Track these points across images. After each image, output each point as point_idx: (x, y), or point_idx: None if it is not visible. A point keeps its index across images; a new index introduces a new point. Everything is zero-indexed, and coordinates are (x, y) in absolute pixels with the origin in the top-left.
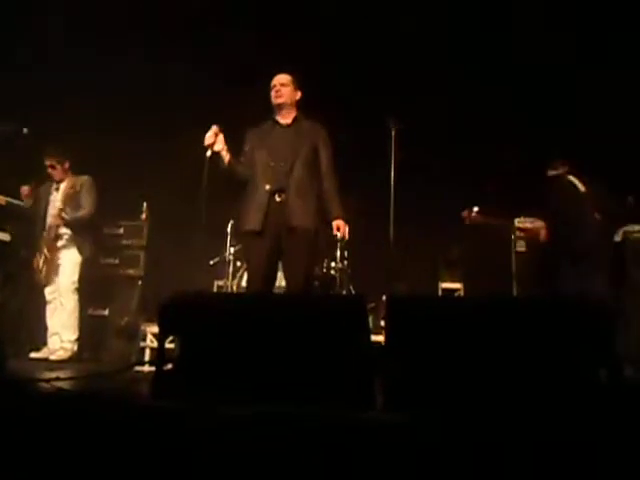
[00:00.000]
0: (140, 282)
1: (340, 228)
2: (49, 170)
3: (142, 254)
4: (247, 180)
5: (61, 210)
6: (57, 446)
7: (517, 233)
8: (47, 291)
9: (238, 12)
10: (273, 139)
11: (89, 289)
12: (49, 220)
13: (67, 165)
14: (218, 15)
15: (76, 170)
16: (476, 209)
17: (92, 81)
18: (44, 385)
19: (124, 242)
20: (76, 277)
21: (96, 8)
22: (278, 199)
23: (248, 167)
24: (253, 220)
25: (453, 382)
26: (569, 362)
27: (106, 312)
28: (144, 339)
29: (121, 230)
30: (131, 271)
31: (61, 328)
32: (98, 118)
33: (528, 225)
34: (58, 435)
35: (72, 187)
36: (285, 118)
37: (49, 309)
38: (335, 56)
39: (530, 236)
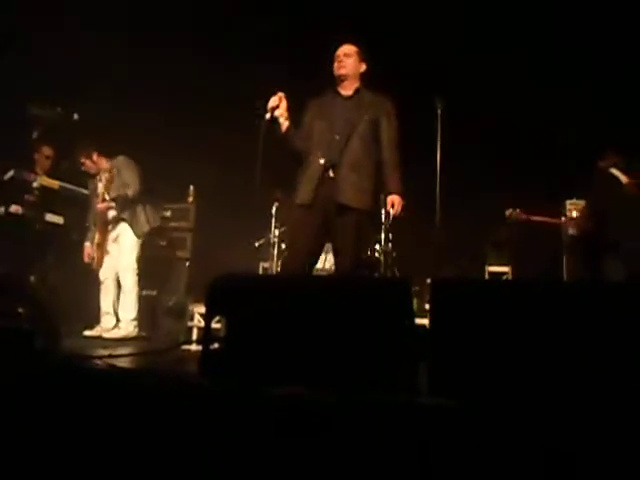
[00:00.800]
0: (187, 263)
1: (395, 204)
2: (83, 168)
3: (189, 236)
4: (301, 152)
5: (103, 194)
6: (108, 422)
7: (568, 215)
8: (101, 273)
9: None
10: (332, 111)
11: (139, 270)
12: (96, 208)
13: (95, 156)
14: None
15: (120, 152)
16: (519, 210)
17: (139, 65)
18: (96, 362)
19: (172, 224)
20: (134, 257)
21: None
22: (331, 174)
23: (305, 139)
24: (304, 193)
25: (500, 368)
26: (626, 352)
27: (155, 292)
28: (192, 319)
29: (169, 213)
30: (179, 253)
31: (120, 307)
32: (146, 104)
33: (574, 214)
34: (109, 411)
35: (109, 172)
36: (346, 90)
37: (103, 288)
38: (382, 33)
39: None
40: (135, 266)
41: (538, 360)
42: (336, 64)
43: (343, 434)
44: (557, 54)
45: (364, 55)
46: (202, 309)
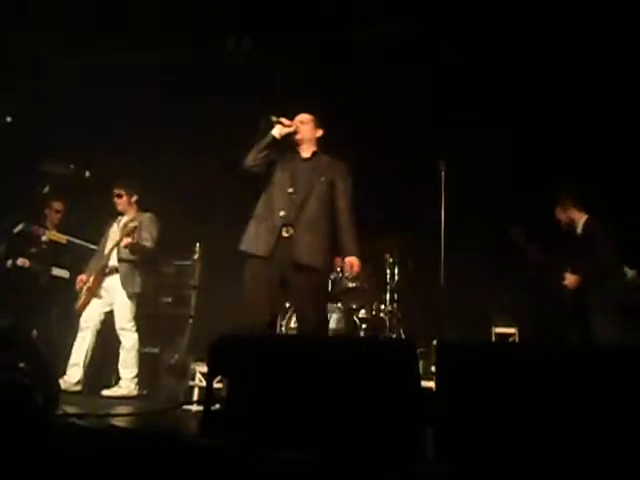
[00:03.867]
0: (191, 321)
1: (354, 266)
2: (115, 199)
3: (193, 294)
4: (264, 174)
5: (120, 241)
6: None
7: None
8: (82, 319)
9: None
10: (292, 169)
11: (142, 327)
12: (106, 252)
13: (134, 198)
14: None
15: (142, 207)
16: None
17: (145, 119)
18: (95, 420)
19: (176, 281)
20: (131, 315)
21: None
22: (285, 234)
23: (267, 186)
24: (262, 245)
25: (507, 433)
26: (633, 416)
27: (157, 350)
28: (193, 378)
29: (173, 270)
30: (183, 310)
31: (120, 365)
32: (155, 160)
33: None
34: (107, 471)
35: (132, 220)
36: (305, 152)
37: (80, 337)
38: (384, 97)
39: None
40: (133, 323)
41: (545, 425)
42: (287, 129)
43: None
44: (560, 114)
45: (320, 122)
46: (204, 368)
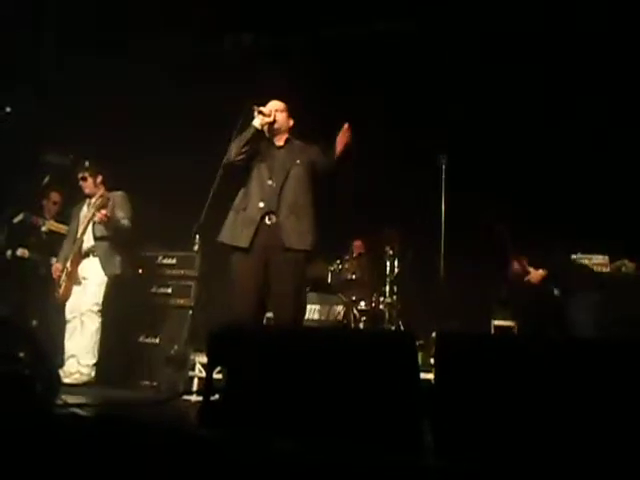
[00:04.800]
0: (190, 312)
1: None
2: (81, 183)
3: (193, 284)
4: (246, 167)
5: (92, 217)
6: (105, 471)
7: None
8: (67, 309)
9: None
10: (267, 159)
11: (141, 317)
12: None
13: (99, 179)
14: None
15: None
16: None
17: (157, 106)
18: (94, 409)
19: (176, 272)
20: (100, 298)
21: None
22: (268, 222)
23: (244, 178)
24: (243, 237)
25: (505, 425)
26: (631, 409)
27: (157, 340)
28: (193, 368)
29: (174, 260)
30: (182, 301)
31: (80, 350)
32: (160, 148)
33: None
34: (106, 460)
35: (102, 199)
36: (278, 141)
37: (68, 329)
38: (387, 90)
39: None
40: (99, 308)
41: (543, 417)
42: (268, 119)
43: None
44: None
45: (291, 112)
46: (204, 359)
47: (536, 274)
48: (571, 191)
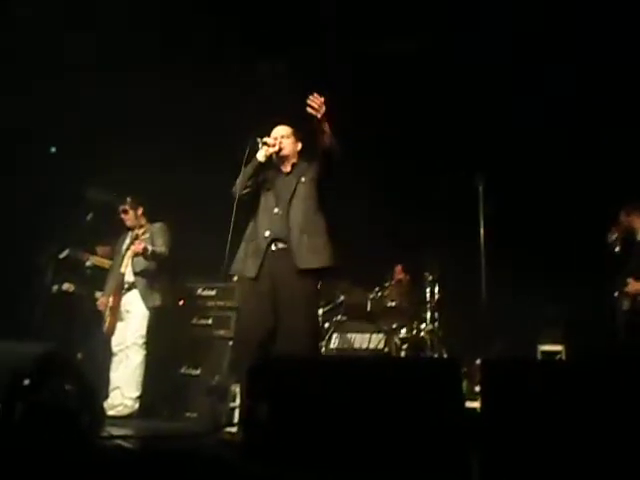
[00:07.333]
0: (231, 343)
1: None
2: (122, 216)
3: (233, 315)
4: (253, 197)
5: (129, 249)
6: None
7: (622, 289)
8: (113, 342)
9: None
10: (275, 186)
11: (182, 348)
12: (122, 269)
13: (140, 211)
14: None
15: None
16: None
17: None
18: (138, 443)
19: (216, 303)
20: (143, 331)
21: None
22: (274, 248)
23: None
24: (250, 267)
25: (555, 455)
26: None
27: (198, 372)
28: (234, 399)
29: (214, 291)
30: (222, 332)
31: (124, 383)
32: (201, 181)
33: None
34: None
35: (143, 232)
36: (286, 167)
37: (114, 361)
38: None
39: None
40: (144, 340)
41: (597, 447)
42: (272, 149)
43: None
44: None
45: (299, 135)
46: None
47: (636, 285)
48: None
